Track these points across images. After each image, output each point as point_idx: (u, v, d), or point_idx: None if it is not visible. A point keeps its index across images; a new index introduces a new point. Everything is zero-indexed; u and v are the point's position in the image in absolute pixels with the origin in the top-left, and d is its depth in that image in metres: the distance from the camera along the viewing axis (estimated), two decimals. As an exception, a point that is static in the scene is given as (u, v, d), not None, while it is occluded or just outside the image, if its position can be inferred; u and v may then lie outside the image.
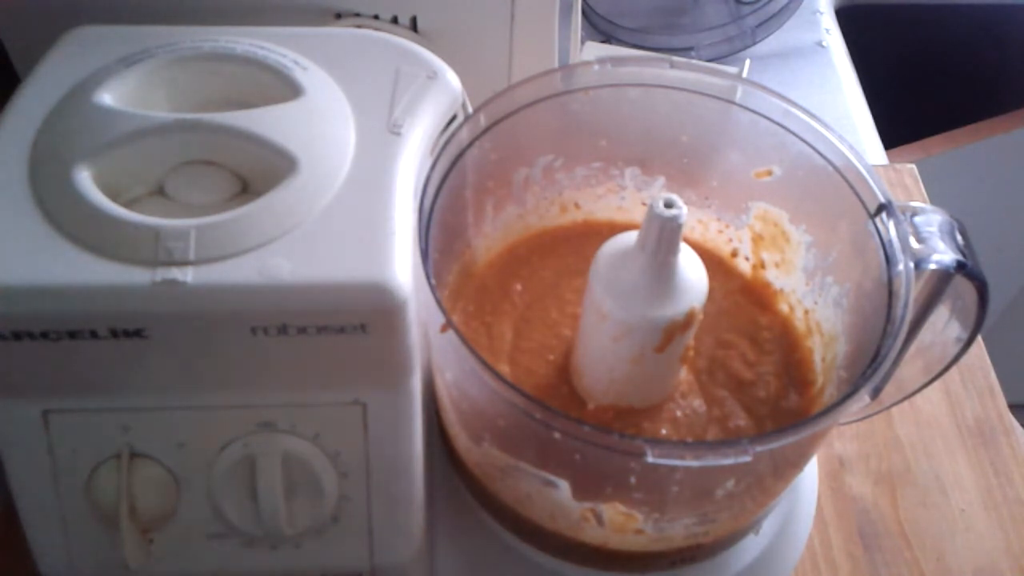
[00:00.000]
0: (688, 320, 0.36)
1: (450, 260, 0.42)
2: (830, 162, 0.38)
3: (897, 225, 0.36)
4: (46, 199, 0.33)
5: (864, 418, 0.46)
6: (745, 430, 0.39)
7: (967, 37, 0.99)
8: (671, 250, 0.35)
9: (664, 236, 0.34)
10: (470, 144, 0.38)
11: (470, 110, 0.40)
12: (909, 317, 0.34)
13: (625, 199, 0.46)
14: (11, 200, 0.33)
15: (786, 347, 0.43)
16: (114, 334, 0.32)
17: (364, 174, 0.35)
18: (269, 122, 0.35)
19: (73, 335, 0.32)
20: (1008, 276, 1.06)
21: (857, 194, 0.38)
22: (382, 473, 0.36)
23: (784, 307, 0.44)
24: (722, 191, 0.44)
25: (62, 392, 0.34)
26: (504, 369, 0.41)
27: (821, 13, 0.89)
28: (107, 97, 0.35)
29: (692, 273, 0.36)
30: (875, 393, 0.42)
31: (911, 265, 0.35)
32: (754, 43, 0.82)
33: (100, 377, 0.34)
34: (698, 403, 0.40)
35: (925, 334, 0.39)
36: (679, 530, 0.37)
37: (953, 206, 0.38)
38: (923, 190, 0.68)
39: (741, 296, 0.45)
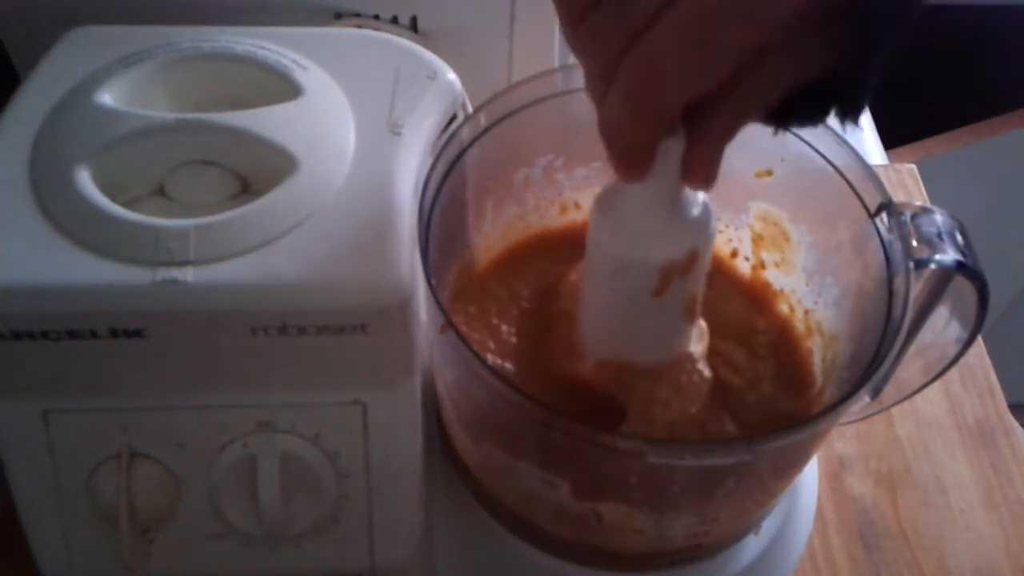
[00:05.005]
0: (688, 262, 0.34)
1: (450, 260, 0.42)
2: (830, 162, 0.38)
3: (897, 225, 0.36)
4: (46, 199, 0.33)
5: (864, 418, 0.46)
6: (744, 430, 0.39)
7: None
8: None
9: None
10: (470, 144, 0.38)
11: (470, 110, 0.40)
12: (909, 317, 0.34)
13: (625, 199, 0.46)
14: (11, 200, 0.33)
15: (786, 347, 0.43)
16: (114, 334, 0.32)
17: (364, 174, 0.35)
18: (269, 122, 0.35)
19: (73, 335, 0.32)
20: (1008, 276, 1.06)
21: (857, 194, 0.37)
22: (382, 473, 0.36)
23: (784, 307, 0.44)
24: (722, 191, 0.44)
25: (62, 392, 0.34)
26: (505, 369, 0.41)
27: (821, 13, 0.89)
28: (107, 97, 0.35)
29: (696, 211, 0.34)
30: (875, 393, 0.42)
31: (911, 265, 0.35)
32: (754, 43, 0.82)
33: (100, 377, 0.34)
34: (702, 365, 0.38)
35: (925, 334, 0.39)
36: (679, 530, 0.37)
37: (953, 206, 0.38)
38: (923, 190, 0.68)
39: (741, 297, 0.45)
